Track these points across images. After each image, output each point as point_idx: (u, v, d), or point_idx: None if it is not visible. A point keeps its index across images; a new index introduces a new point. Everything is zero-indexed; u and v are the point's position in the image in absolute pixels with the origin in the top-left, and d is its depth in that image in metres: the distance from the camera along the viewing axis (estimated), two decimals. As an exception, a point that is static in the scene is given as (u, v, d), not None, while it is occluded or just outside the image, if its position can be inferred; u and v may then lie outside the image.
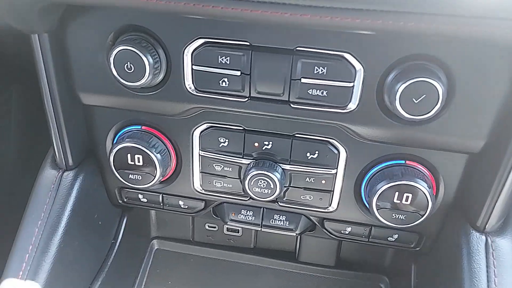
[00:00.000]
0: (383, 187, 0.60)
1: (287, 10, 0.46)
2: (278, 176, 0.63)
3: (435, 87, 0.50)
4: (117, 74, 0.57)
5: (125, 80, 0.57)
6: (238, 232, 0.89)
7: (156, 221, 0.91)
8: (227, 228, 0.89)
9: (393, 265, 0.84)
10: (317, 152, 0.63)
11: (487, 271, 0.60)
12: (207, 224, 0.90)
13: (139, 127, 0.67)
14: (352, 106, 0.56)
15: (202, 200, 0.74)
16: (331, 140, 0.62)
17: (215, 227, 0.90)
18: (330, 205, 0.67)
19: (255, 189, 0.64)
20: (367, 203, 0.64)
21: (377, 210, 0.62)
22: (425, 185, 0.59)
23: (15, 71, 0.97)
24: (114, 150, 0.65)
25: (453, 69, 0.52)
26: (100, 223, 0.74)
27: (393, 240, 0.71)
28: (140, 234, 0.89)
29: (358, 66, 0.53)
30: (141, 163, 0.66)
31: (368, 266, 0.86)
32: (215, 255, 0.90)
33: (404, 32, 0.45)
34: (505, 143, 0.55)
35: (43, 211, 0.65)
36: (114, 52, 0.55)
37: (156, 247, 0.92)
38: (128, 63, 0.56)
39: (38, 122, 0.87)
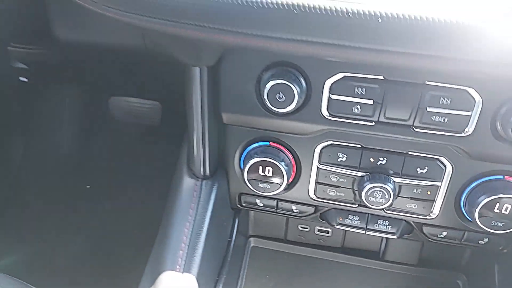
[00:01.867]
0: (486, 199, 0.71)
1: (423, 59, 0.56)
2: (392, 187, 0.74)
3: None
4: (269, 103, 0.68)
5: (275, 107, 0.68)
6: (328, 233, 1.00)
7: (254, 221, 1.02)
8: (318, 229, 1.00)
9: (471, 264, 0.94)
10: (426, 167, 0.73)
11: None
12: (299, 225, 1.01)
13: (267, 143, 0.78)
14: (468, 131, 0.66)
15: (313, 206, 0.85)
16: (440, 158, 0.73)
17: (307, 228, 1.01)
18: (431, 213, 0.78)
19: (371, 199, 0.75)
20: (467, 212, 0.75)
21: (478, 218, 0.72)
22: None
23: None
24: (250, 163, 0.76)
25: None
26: (224, 221, 0.86)
27: (483, 243, 0.81)
28: (241, 233, 1.01)
29: (478, 98, 0.64)
30: (270, 174, 0.77)
31: (448, 264, 0.96)
32: (306, 253, 1.01)
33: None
34: None
35: (189, 214, 0.77)
36: (270, 85, 0.66)
37: (252, 244, 1.03)
38: (280, 93, 0.67)
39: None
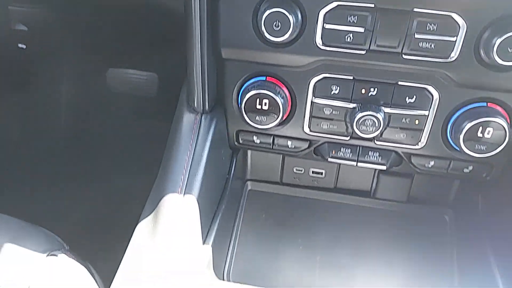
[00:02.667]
0: (470, 124, 0.75)
1: None
2: (382, 116, 0.78)
3: None
4: (266, 31, 0.71)
5: (272, 36, 0.71)
6: (322, 174, 1.05)
7: (251, 166, 1.07)
8: (312, 171, 1.05)
9: (458, 199, 1.00)
10: (414, 96, 0.78)
11: None
12: (295, 168, 1.05)
13: (264, 78, 0.82)
14: (454, 56, 0.71)
15: (307, 140, 0.89)
16: (427, 87, 0.77)
17: (301, 170, 1.05)
18: (419, 142, 0.83)
19: (362, 128, 0.79)
20: (453, 139, 0.80)
21: (463, 143, 0.77)
22: (504, 120, 0.74)
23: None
24: (247, 96, 0.80)
25: None
26: (223, 158, 0.90)
27: (468, 171, 0.86)
28: (238, 177, 1.05)
29: (462, 23, 0.68)
30: (267, 107, 0.81)
31: (435, 200, 1.02)
32: (301, 194, 1.06)
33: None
34: None
35: (189, 144, 0.81)
36: (267, 13, 0.70)
37: (249, 188, 1.08)
38: (277, 21, 0.70)
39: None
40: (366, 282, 0.89)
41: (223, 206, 0.92)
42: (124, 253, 0.77)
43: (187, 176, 0.78)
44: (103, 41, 1.75)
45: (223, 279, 0.92)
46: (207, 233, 0.84)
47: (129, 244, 0.77)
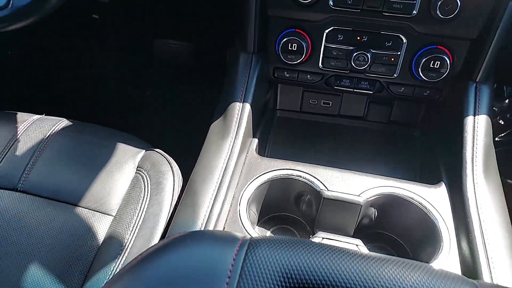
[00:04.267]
0: (424, 59, 1.18)
1: None
2: (370, 54, 1.21)
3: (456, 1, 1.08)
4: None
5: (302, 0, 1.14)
6: (329, 104, 1.48)
7: (280, 98, 1.50)
8: (323, 102, 1.48)
9: (424, 121, 1.43)
10: (391, 41, 1.21)
11: (474, 103, 1.19)
12: (310, 100, 1.49)
13: (294, 30, 1.25)
14: (415, 13, 1.13)
15: (320, 74, 1.32)
16: (399, 35, 1.20)
17: (315, 102, 1.48)
18: (394, 74, 1.26)
19: (356, 62, 1.22)
20: (415, 71, 1.23)
21: (421, 71, 1.20)
22: (447, 56, 1.17)
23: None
24: (283, 41, 1.23)
25: None
26: (263, 92, 1.34)
27: (426, 94, 1.29)
28: (271, 109, 1.49)
29: None
30: (295, 49, 1.24)
31: (408, 122, 1.45)
32: (315, 119, 1.50)
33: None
34: (492, 32, 1.12)
35: (244, 75, 1.24)
36: None
37: (278, 115, 1.52)
38: None
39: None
40: (357, 169, 1.33)
41: (262, 125, 1.36)
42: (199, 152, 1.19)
43: (241, 103, 1.22)
44: (151, 15, 2.17)
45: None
46: (253, 136, 1.28)
47: (204, 143, 1.20)
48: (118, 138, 1.32)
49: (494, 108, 1.96)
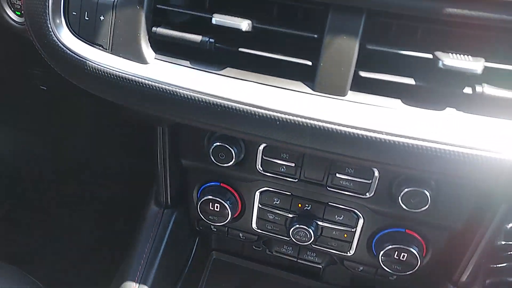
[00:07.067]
0: (388, 247, 0.86)
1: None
2: (313, 229, 0.90)
3: (426, 194, 0.75)
4: (213, 158, 0.84)
5: (218, 162, 0.85)
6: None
7: (215, 239, 1.20)
8: (267, 250, 1.17)
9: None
10: (342, 215, 0.89)
11: None
12: (253, 245, 1.18)
13: (218, 183, 0.96)
14: (370, 194, 0.82)
15: (256, 235, 1.02)
16: (353, 210, 0.88)
17: (260, 248, 1.18)
18: (349, 251, 0.94)
19: (296, 237, 0.91)
20: (376, 254, 0.91)
21: (382, 261, 0.88)
22: (417, 249, 0.85)
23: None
24: (202, 200, 0.94)
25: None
26: (187, 240, 1.05)
27: (393, 279, 0.97)
28: (204, 247, 1.19)
29: (376, 173, 0.79)
30: (218, 210, 0.94)
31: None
32: (258, 268, 1.19)
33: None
34: (476, 225, 0.80)
35: (150, 236, 0.96)
36: (212, 146, 0.83)
37: (214, 256, 1.22)
38: (221, 153, 0.83)
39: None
40: None
41: (183, 278, 1.06)
42: None
43: (144, 266, 0.93)
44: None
45: None
46: None
47: None
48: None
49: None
